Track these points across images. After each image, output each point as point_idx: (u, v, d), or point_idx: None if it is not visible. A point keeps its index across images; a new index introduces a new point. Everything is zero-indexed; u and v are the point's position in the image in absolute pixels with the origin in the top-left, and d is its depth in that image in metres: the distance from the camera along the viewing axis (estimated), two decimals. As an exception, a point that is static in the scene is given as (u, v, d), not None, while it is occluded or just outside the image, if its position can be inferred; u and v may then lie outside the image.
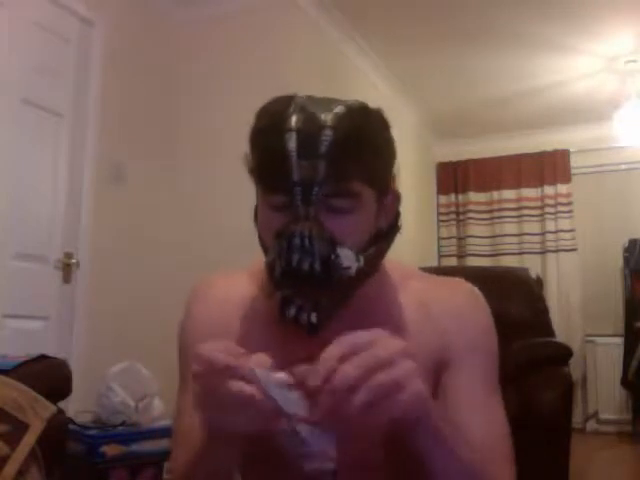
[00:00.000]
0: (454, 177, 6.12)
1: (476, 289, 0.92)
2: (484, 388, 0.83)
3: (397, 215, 0.88)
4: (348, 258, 0.76)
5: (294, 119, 0.75)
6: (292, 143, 0.74)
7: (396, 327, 0.85)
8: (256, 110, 0.81)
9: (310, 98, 0.80)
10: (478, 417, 0.80)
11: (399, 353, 0.62)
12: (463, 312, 0.87)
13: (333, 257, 0.75)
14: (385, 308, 0.87)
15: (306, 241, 0.74)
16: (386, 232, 0.85)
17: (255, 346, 0.87)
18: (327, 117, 0.75)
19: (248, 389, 0.62)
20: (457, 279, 0.93)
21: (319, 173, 0.74)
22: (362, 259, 0.78)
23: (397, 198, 0.87)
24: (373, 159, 0.78)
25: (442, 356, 0.84)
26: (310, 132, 0.74)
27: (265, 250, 0.81)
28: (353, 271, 0.77)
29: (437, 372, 0.84)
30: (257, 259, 0.85)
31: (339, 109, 0.76)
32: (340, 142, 0.74)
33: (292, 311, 0.77)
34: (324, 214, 0.76)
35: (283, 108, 0.77)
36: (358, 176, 0.76)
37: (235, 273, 0.96)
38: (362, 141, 0.76)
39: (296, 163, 0.74)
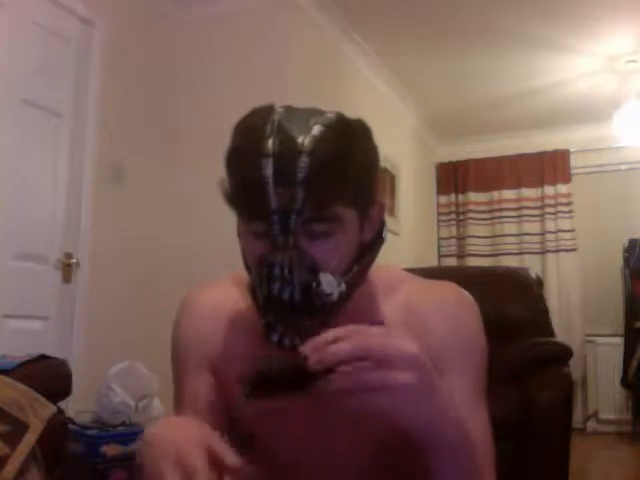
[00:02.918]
0: (454, 177, 6.12)
1: (466, 293, 0.91)
2: (471, 389, 0.83)
3: (382, 226, 0.86)
4: (330, 284, 0.75)
5: (271, 142, 0.73)
6: (269, 170, 0.72)
7: None
8: (248, 112, 0.80)
9: (289, 112, 0.77)
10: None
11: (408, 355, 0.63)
12: (452, 313, 0.86)
13: (314, 285, 0.74)
14: (369, 318, 0.87)
15: (285, 271, 0.73)
16: (371, 244, 0.83)
17: (244, 357, 0.88)
18: (304, 140, 0.73)
19: None
20: (446, 282, 0.92)
21: (297, 201, 0.72)
22: (344, 285, 0.77)
23: (381, 209, 0.85)
24: (354, 179, 0.76)
25: (431, 356, 0.84)
26: (287, 158, 0.72)
27: (248, 270, 0.81)
28: (335, 297, 0.76)
29: None
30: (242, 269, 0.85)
31: (317, 130, 0.74)
32: (318, 168, 0.72)
33: (275, 337, 0.76)
34: (304, 239, 0.74)
35: (260, 124, 0.75)
36: (339, 200, 0.74)
37: (221, 284, 0.95)
38: (341, 164, 0.74)
39: (273, 191, 0.72)
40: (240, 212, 0.78)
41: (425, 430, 0.66)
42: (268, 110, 0.77)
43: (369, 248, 0.83)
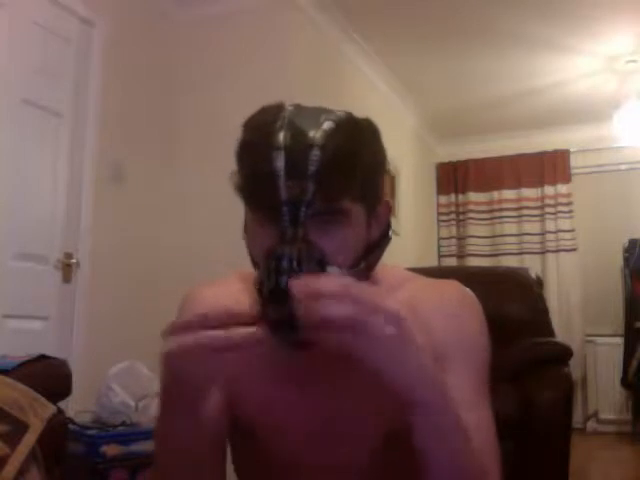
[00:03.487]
0: (454, 177, 6.12)
1: (468, 290, 0.91)
2: (472, 386, 0.83)
3: (388, 225, 0.87)
4: None
5: (282, 136, 0.74)
6: (280, 162, 0.73)
7: None
8: (255, 109, 0.81)
9: (299, 109, 0.79)
10: (465, 412, 0.80)
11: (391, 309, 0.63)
12: (452, 312, 0.87)
13: None
14: None
15: (294, 263, 0.73)
16: (377, 242, 0.85)
17: (247, 357, 0.88)
18: (316, 135, 0.74)
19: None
20: (450, 280, 0.92)
21: (307, 193, 0.73)
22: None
23: (388, 208, 0.86)
24: (362, 175, 0.77)
25: (432, 354, 0.84)
26: (298, 151, 0.73)
27: (254, 264, 0.81)
28: None
29: None
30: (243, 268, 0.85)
31: (327, 125, 0.75)
32: (329, 161, 0.73)
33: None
34: (313, 232, 0.75)
35: (271, 121, 0.76)
36: (347, 194, 0.76)
37: (224, 281, 0.95)
38: (351, 159, 0.76)
39: (283, 183, 0.73)
40: (250, 203, 0.78)
41: (404, 390, 0.66)
42: (278, 107, 0.79)
43: (376, 246, 0.84)
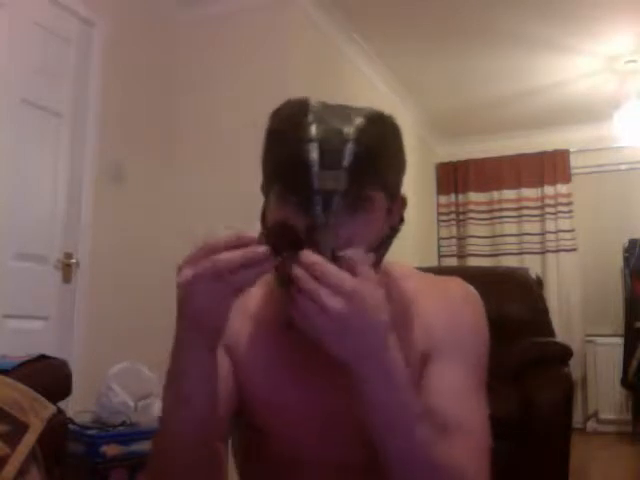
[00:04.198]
0: (454, 177, 6.12)
1: (471, 288, 0.93)
2: (467, 381, 0.83)
3: (401, 220, 0.89)
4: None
5: (314, 129, 0.77)
6: (314, 154, 0.76)
7: None
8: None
9: (325, 105, 0.81)
10: (457, 403, 0.80)
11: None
12: (454, 310, 0.88)
13: None
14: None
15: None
16: (388, 236, 0.86)
17: (264, 353, 0.88)
18: (349, 130, 0.77)
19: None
20: (454, 278, 0.94)
21: (341, 184, 0.75)
22: None
23: (403, 203, 0.88)
24: (389, 169, 0.81)
25: (426, 350, 0.85)
26: (333, 144, 0.76)
27: None
28: None
29: (423, 367, 0.84)
30: None
31: (359, 121, 0.78)
32: (362, 155, 0.76)
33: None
34: (340, 219, 0.76)
35: (301, 114, 0.78)
36: (375, 185, 0.79)
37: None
38: (381, 153, 0.79)
39: (317, 174, 0.75)
40: (280, 189, 0.80)
41: (357, 384, 0.69)
42: (304, 101, 0.81)
43: (386, 238, 0.85)
